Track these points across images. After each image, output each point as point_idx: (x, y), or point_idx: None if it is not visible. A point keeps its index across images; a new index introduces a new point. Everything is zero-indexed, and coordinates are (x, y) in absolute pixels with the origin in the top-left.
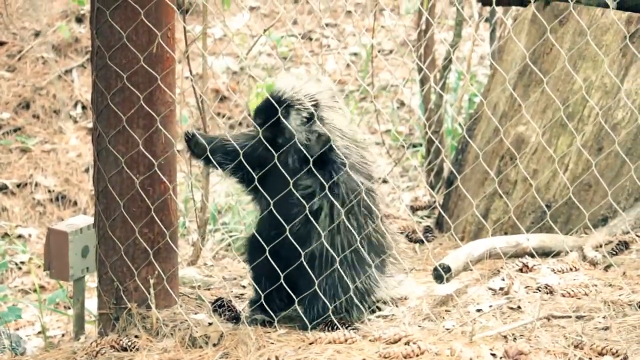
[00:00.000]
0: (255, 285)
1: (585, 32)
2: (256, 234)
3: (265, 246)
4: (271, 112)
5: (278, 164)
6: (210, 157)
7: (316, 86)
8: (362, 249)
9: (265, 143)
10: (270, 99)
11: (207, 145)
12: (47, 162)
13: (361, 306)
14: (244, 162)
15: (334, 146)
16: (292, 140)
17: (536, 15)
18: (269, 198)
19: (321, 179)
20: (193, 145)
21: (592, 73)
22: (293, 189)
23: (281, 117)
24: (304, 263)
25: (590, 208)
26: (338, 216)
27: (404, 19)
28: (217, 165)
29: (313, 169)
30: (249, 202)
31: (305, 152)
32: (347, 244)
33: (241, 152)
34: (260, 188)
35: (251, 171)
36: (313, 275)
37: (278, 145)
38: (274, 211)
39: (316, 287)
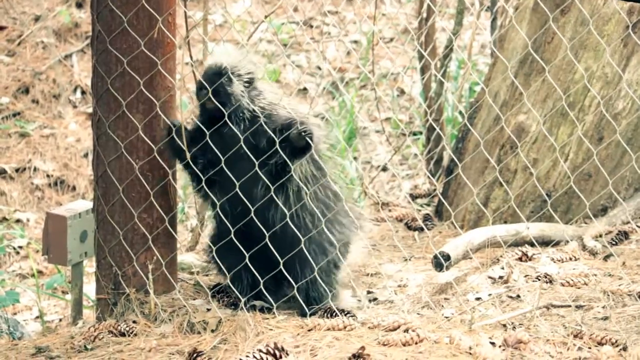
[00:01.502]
0: (236, 285)
1: (587, 22)
2: (219, 227)
3: (231, 228)
4: (215, 81)
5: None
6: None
7: (245, 54)
8: (322, 206)
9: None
10: (212, 69)
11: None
12: (46, 147)
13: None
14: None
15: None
16: (238, 108)
17: (538, 4)
18: (231, 176)
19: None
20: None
21: (593, 63)
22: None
23: (224, 85)
24: (268, 242)
25: (591, 198)
26: (299, 173)
27: (405, 6)
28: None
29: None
30: (203, 203)
31: (244, 122)
32: (308, 213)
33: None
34: (212, 176)
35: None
36: (280, 246)
37: (221, 118)
38: (238, 192)
39: (282, 265)
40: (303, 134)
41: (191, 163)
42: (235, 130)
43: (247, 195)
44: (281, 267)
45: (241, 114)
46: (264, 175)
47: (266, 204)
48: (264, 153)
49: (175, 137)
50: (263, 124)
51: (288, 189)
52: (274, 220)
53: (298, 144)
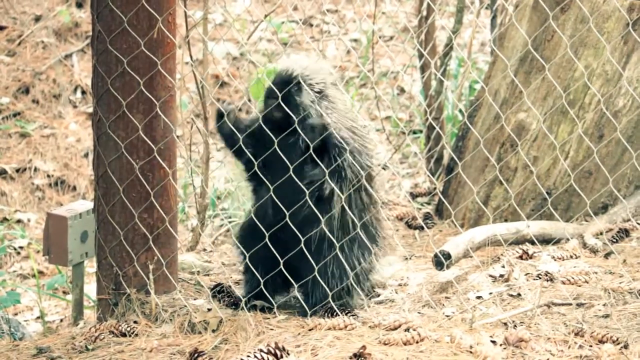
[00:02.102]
0: (249, 276)
1: (587, 19)
2: (255, 220)
3: (265, 232)
4: (283, 89)
5: (278, 151)
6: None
7: (320, 66)
8: (364, 232)
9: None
10: (282, 76)
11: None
12: (46, 147)
13: (359, 289)
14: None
15: (335, 132)
16: (305, 118)
17: (538, 2)
18: (268, 184)
19: (321, 164)
20: (222, 132)
21: (593, 60)
22: (294, 176)
23: (293, 94)
24: (303, 249)
25: (591, 195)
26: (347, 199)
27: (404, 5)
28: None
29: (314, 155)
30: (248, 188)
31: (307, 139)
32: (352, 227)
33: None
34: (259, 173)
35: (250, 157)
36: (315, 260)
37: (287, 127)
38: (273, 196)
39: (316, 272)
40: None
41: (243, 147)
42: (300, 140)
43: (289, 200)
44: (315, 273)
45: (309, 127)
46: (311, 195)
47: (307, 218)
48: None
49: (226, 121)
50: (329, 139)
51: (332, 209)
52: (312, 240)
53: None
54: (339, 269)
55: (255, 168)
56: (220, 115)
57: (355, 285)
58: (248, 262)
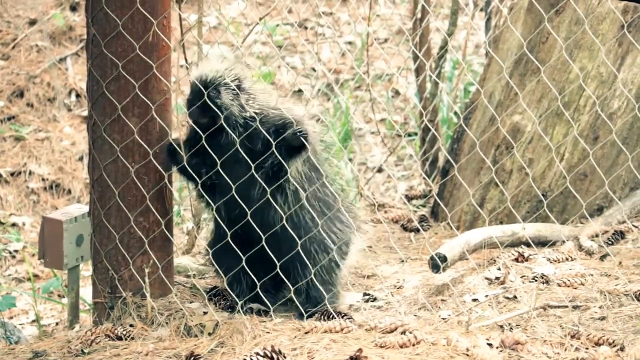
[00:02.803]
0: (234, 288)
1: (582, 22)
2: (219, 231)
3: (230, 239)
4: (202, 95)
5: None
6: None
7: (230, 63)
8: (321, 207)
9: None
10: (198, 84)
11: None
12: (41, 150)
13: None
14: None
15: (261, 116)
16: (230, 116)
17: (532, 5)
18: (222, 185)
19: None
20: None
21: (588, 63)
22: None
23: (213, 98)
24: (266, 245)
25: (587, 198)
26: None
27: (399, 7)
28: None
29: (247, 143)
30: (207, 207)
31: (237, 128)
32: (307, 213)
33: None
34: (211, 181)
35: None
36: (281, 250)
37: (218, 129)
38: (235, 196)
39: (277, 268)
40: (299, 134)
41: (191, 172)
42: (230, 137)
43: (244, 199)
44: (278, 270)
45: (234, 122)
46: (261, 177)
47: (264, 206)
48: (261, 156)
49: (173, 149)
50: (258, 126)
51: (286, 190)
52: (274, 222)
53: (294, 144)
54: (303, 258)
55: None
56: (171, 153)
57: (327, 272)
58: (227, 278)
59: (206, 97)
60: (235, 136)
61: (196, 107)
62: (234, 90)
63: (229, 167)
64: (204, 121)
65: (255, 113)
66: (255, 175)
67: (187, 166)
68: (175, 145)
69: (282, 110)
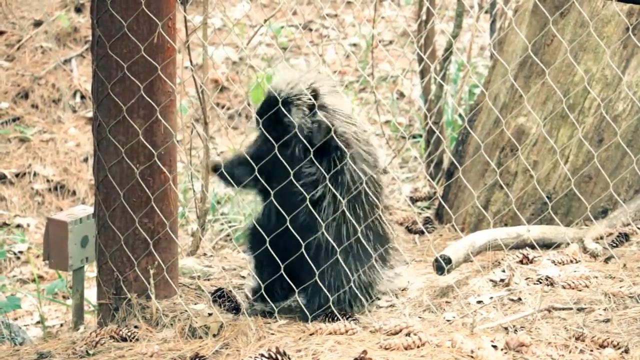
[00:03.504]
0: (256, 276)
1: (587, 24)
2: (257, 225)
3: (266, 237)
4: (272, 112)
5: (279, 155)
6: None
7: (313, 76)
8: (365, 240)
9: (272, 141)
10: (270, 97)
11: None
12: (45, 151)
13: (363, 298)
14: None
15: (335, 134)
16: (297, 134)
17: (537, 7)
18: (269, 188)
19: (319, 167)
20: (222, 178)
21: (593, 65)
22: (293, 179)
23: (282, 114)
24: (304, 254)
25: (591, 200)
26: (342, 205)
27: (404, 9)
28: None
29: (313, 158)
30: (257, 195)
31: (307, 142)
32: (352, 234)
33: (253, 163)
34: (263, 182)
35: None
36: (314, 266)
37: (286, 142)
38: (274, 202)
39: (317, 278)
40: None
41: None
42: (298, 152)
43: (289, 211)
44: (315, 277)
45: (298, 141)
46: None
47: (305, 228)
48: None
49: (222, 171)
50: (347, 160)
51: (322, 215)
52: (310, 247)
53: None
54: (336, 280)
55: (261, 180)
56: (215, 168)
57: (352, 298)
58: (253, 262)
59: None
60: (299, 154)
61: (265, 122)
62: (306, 107)
63: (283, 174)
64: (273, 135)
65: (334, 124)
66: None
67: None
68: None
69: (371, 146)
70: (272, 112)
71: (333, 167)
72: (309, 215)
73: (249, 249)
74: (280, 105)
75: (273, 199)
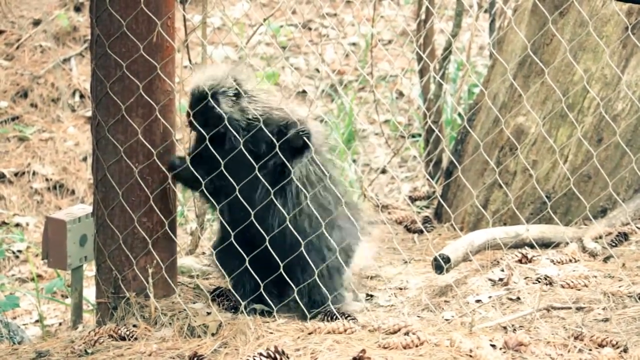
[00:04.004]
0: (238, 295)
1: (586, 23)
2: (223, 233)
3: (233, 240)
4: (202, 106)
5: (214, 150)
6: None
7: (228, 67)
8: (321, 210)
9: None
10: (196, 96)
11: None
12: (44, 150)
13: (326, 288)
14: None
15: (264, 122)
16: (232, 122)
17: (537, 6)
18: (233, 183)
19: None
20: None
21: (592, 64)
22: (258, 173)
23: (212, 108)
24: (269, 246)
25: (590, 199)
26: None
27: (403, 8)
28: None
29: (252, 146)
30: (209, 210)
31: (241, 130)
32: (307, 217)
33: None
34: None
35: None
36: (281, 252)
37: (221, 136)
38: (234, 200)
39: (281, 269)
40: (301, 134)
41: (206, 192)
42: (234, 141)
43: (248, 200)
44: (281, 270)
45: (237, 126)
46: (265, 179)
47: (266, 208)
48: (265, 158)
49: (181, 172)
50: (262, 127)
51: (287, 192)
52: (273, 225)
53: (296, 145)
54: (304, 261)
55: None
56: (171, 167)
57: (327, 279)
58: (232, 279)
59: (205, 107)
60: (239, 139)
61: (198, 119)
62: (232, 95)
63: (234, 170)
64: (207, 131)
65: (259, 115)
66: (259, 175)
67: (190, 177)
68: (177, 160)
69: (285, 111)
70: (203, 106)
71: (269, 150)
72: (266, 195)
73: (222, 268)
74: (209, 97)
75: (238, 194)
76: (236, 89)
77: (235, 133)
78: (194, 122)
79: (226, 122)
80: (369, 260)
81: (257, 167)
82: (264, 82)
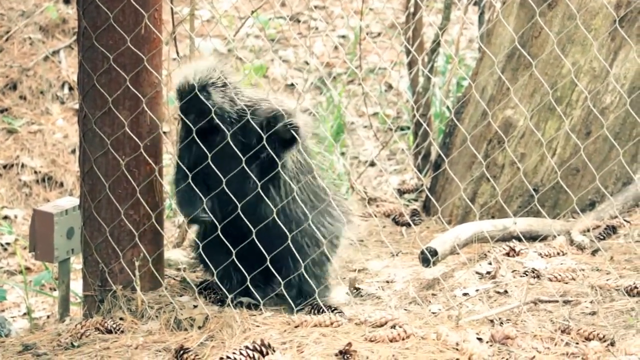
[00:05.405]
0: (223, 285)
1: (575, 16)
2: (209, 227)
3: (219, 230)
4: (196, 100)
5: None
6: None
7: (211, 62)
8: (312, 197)
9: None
10: (186, 90)
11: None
12: (33, 143)
13: (314, 280)
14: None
15: (253, 114)
16: (223, 114)
17: None
18: (221, 176)
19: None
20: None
21: (580, 57)
22: (245, 166)
23: (204, 101)
24: (255, 239)
25: (578, 192)
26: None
27: (392, 1)
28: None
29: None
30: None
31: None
32: (298, 206)
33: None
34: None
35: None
36: (268, 244)
37: (212, 128)
38: (221, 192)
39: (268, 260)
40: (289, 126)
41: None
42: (225, 133)
43: (237, 193)
44: (268, 263)
45: (228, 118)
46: (254, 170)
47: (256, 200)
48: (255, 149)
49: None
50: (250, 120)
51: (278, 183)
52: (265, 215)
53: (284, 137)
54: (297, 249)
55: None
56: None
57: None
58: (217, 273)
59: (197, 100)
60: (229, 132)
61: (194, 115)
62: (221, 87)
63: (225, 163)
64: (205, 126)
65: (247, 105)
66: (246, 168)
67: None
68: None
69: (272, 102)
70: (194, 99)
71: (259, 142)
72: (255, 187)
73: (207, 262)
74: (201, 92)
75: (225, 187)
76: (224, 80)
77: (226, 125)
78: (184, 115)
79: (216, 113)
80: (351, 249)
81: (244, 159)
82: (252, 74)
